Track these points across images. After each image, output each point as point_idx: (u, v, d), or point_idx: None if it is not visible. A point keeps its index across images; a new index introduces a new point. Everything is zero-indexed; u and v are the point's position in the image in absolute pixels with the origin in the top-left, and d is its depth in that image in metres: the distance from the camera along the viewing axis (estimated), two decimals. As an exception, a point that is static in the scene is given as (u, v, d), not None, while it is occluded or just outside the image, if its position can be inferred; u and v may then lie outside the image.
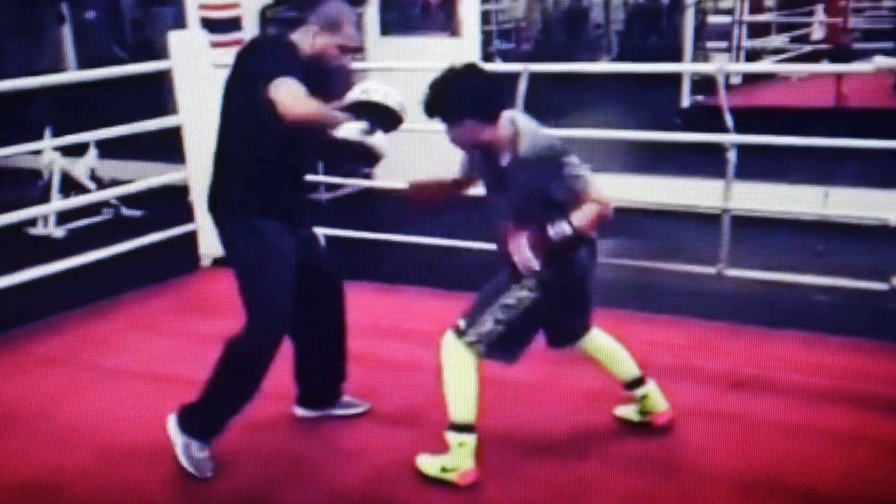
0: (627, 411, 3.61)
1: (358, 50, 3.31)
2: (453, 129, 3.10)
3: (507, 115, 3.12)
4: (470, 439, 3.20)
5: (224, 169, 3.33)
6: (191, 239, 5.65)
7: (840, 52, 9.25)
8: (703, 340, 4.41)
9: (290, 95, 2.98)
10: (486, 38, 9.37)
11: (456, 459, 3.20)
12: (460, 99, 3.06)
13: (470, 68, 3.19)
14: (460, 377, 3.19)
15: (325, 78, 3.30)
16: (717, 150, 4.61)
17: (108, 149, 6.75)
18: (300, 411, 3.77)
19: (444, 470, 3.22)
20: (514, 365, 3.27)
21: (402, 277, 5.34)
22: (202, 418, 3.39)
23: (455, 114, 3.06)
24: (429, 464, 3.27)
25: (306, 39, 3.23)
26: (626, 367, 3.52)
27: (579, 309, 3.41)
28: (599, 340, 3.50)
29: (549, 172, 3.03)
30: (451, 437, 3.21)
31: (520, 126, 3.10)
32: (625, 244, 5.43)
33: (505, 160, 3.11)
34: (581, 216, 3.02)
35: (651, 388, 3.53)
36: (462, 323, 3.19)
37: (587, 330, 3.47)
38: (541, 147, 3.09)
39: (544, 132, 3.17)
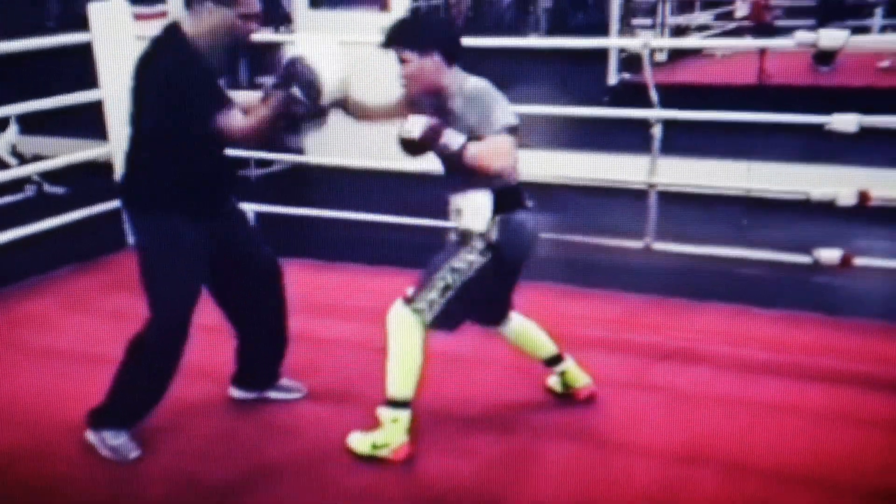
0: (555, 382, 3.64)
1: (259, 16, 3.17)
2: (420, 60, 3.03)
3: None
4: (404, 415, 3.19)
5: (134, 161, 3.22)
6: (116, 216, 5.52)
7: (763, 29, 9.42)
8: (632, 313, 4.47)
9: (227, 124, 2.98)
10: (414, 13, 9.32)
11: (388, 435, 3.20)
12: (435, 30, 3.10)
13: (438, 10, 3.19)
14: (405, 352, 3.16)
15: (235, 51, 3.19)
16: (644, 126, 4.65)
17: (31, 125, 6.58)
18: (236, 392, 3.72)
19: (374, 447, 3.21)
20: (451, 335, 3.27)
21: (338, 254, 5.31)
22: (112, 412, 3.33)
23: (427, 44, 3.02)
24: (359, 441, 3.25)
25: (202, 22, 3.04)
26: (544, 346, 3.54)
27: (511, 286, 3.42)
28: (518, 323, 3.51)
29: (483, 112, 3.00)
30: (385, 413, 3.20)
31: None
32: (553, 219, 5.46)
33: (454, 103, 3.07)
34: (475, 149, 2.94)
35: (569, 364, 3.56)
36: (410, 291, 3.17)
37: (508, 313, 3.48)
38: (483, 87, 3.06)
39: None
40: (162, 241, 3.21)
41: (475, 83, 3.07)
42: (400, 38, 3.06)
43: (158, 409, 3.35)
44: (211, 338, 3.51)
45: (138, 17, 5.90)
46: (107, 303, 4.77)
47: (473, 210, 3.11)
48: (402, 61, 3.07)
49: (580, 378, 3.58)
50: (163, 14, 6.94)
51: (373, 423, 3.23)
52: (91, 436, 3.35)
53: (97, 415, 3.35)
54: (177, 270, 3.22)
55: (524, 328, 3.53)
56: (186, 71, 2.99)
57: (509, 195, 3.13)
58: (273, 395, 3.71)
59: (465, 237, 3.13)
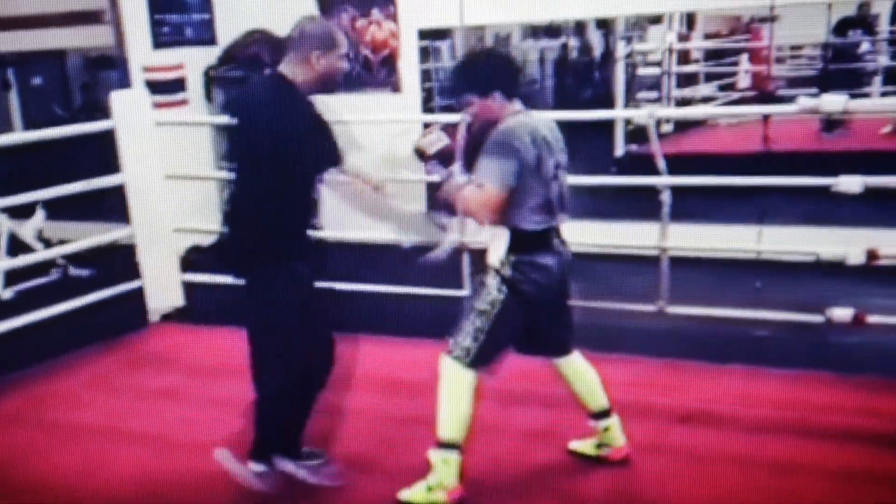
0: (583, 445, 3.68)
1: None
2: (481, 102, 3.28)
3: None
4: (454, 456, 3.25)
5: (248, 217, 3.34)
6: (138, 295, 5.65)
7: (766, 98, 9.58)
8: (649, 377, 4.52)
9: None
10: (428, 95, 9.53)
11: (441, 476, 3.26)
12: (494, 72, 3.32)
13: (494, 50, 3.45)
14: (452, 395, 3.26)
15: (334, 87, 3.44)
16: (652, 194, 4.75)
17: (57, 210, 6.74)
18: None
19: (429, 489, 3.27)
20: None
21: (350, 326, 5.37)
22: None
23: (487, 86, 3.27)
24: (412, 492, 3.31)
25: (310, 69, 3.30)
26: (598, 396, 3.60)
27: (555, 323, 3.51)
28: (578, 364, 3.59)
29: (483, 156, 3.23)
30: (436, 455, 3.26)
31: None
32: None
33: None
34: (464, 192, 3.24)
35: (614, 421, 3.62)
36: (451, 341, 3.28)
37: (566, 348, 3.57)
38: (503, 132, 3.25)
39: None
40: (294, 289, 3.34)
41: (506, 125, 3.26)
42: (463, 84, 3.33)
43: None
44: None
45: (158, 105, 6.10)
46: (131, 380, 4.85)
47: (492, 247, 3.28)
48: (467, 104, 3.32)
49: (619, 438, 3.62)
50: (183, 102, 7.16)
51: (392, 487, 3.27)
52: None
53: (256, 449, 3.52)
54: (307, 314, 3.37)
55: (585, 370, 3.60)
56: (312, 120, 3.31)
57: (526, 238, 3.26)
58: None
59: (484, 277, 3.27)
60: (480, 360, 3.27)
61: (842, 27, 9.92)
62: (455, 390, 3.25)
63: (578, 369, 3.59)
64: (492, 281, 3.26)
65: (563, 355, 3.57)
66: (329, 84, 3.39)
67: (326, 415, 4.13)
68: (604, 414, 3.61)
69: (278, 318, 3.37)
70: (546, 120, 3.41)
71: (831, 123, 9.17)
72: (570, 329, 3.58)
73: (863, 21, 9.89)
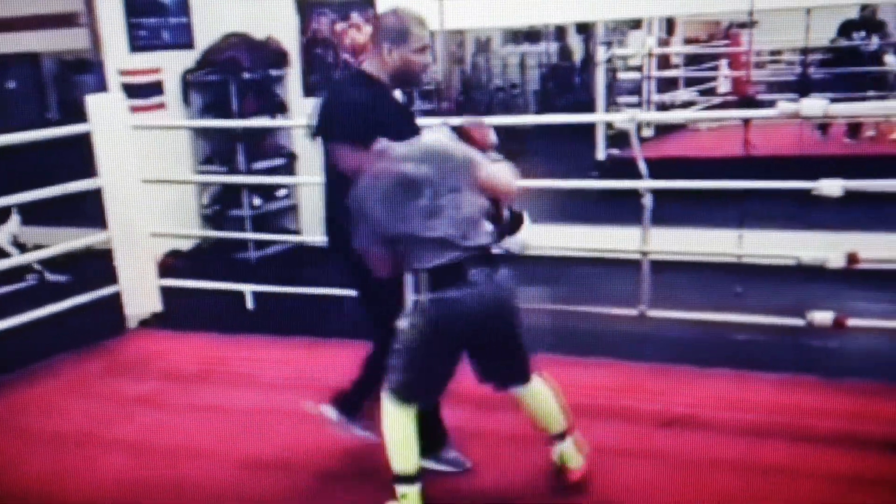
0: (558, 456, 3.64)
1: (429, 47, 3.43)
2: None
3: None
4: (411, 490, 3.20)
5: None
6: (116, 301, 5.59)
7: (746, 103, 9.62)
8: (631, 381, 4.49)
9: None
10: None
11: None
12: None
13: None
14: (394, 428, 3.21)
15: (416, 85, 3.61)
16: (634, 198, 4.74)
17: (32, 215, 6.68)
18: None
19: None
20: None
21: (334, 332, 5.34)
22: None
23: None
24: None
25: (383, 62, 3.32)
26: (556, 421, 3.47)
27: (496, 355, 3.33)
28: (535, 392, 3.43)
29: None
30: (397, 489, 3.22)
31: None
32: (549, 290, 5.54)
33: None
34: None
35: (568, 444, 3.47)
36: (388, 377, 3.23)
37: (517, 379, 3.39)
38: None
39: None
40: None
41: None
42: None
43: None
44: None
45: (134, 108, 6.04)
46: (109, 386, 4.79)
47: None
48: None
49: (575, 459, 3.48)
50: (160, 106, 7.11)
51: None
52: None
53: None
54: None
55: (542, 398, 3.45)
56: (380, 101, 3.33)
57: (429, 276, 3.09)
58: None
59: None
60: (415, 394, 3.21)
61: (846, 29, 9.93)
62: (393, 421, 3.21)
63: (536, 397, 3.44)
64: (402, 321, 3.16)
65: (517, 385, 3.40)
66: (408, 78, 3.41)
67: (303, 420, 4.11)
68: (560, 437, 3.48)
69: (376, 290, 3.43)
70: (423, 148, 3.19)
71: (853, 130, 9.25)
72: (518, 360, 3.35)
73: (867, 23, 9.88)
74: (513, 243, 3.40)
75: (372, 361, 3.54)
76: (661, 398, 4.27)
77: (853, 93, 9.20)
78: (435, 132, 3.37)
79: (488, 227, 3.20)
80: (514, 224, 3.43)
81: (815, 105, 4.31)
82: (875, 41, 9.83)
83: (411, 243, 3.08)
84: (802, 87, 8.95)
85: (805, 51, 9.86)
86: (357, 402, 3.71)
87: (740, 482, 3.49)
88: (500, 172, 3.26)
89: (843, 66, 9.82)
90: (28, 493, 3.70)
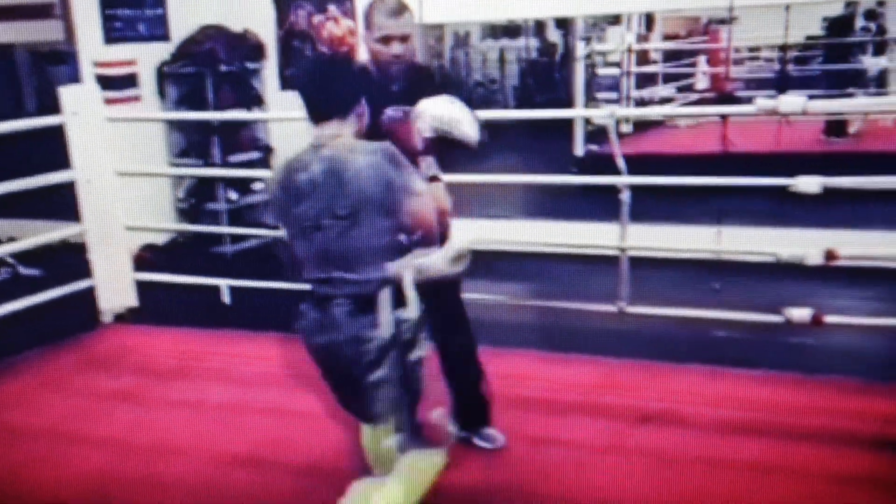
0: None
1: (401, 37, 3.23)
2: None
3: None
4: None
5: None
6: (90, 295, 5.53)
7: (724, 100, 9.66)
8: (609, 377, 4.48)
9: None
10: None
11: None
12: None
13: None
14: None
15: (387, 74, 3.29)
16: (613, 194, 4.73)
17: (4, 208, 6.59)
18: None
19: None
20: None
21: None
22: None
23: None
24: None
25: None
26: (387, 470, 2.95)
27: (347, 390, 2.95)
28: (379, 440, 2.95)
29: None
30: None
31: None
32: (527, 286, 5.54)
33: None
34: None
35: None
36: None
37: (363, 418, 2.96)
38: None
39: None
40: None
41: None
42: None
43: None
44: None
45: (109, 101, 5.97)
46: (83, 382, 4.74)
47: None
48: None
49: None
50: (135, 98, 7.04)
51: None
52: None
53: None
54: None
55: (387, 451, 2.95)
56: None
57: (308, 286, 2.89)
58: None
59: None
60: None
61: (834, 27, 9.97)
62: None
63: (378, 442, 2.96)
64: None
65: (367, 422, 2.98)
66: (377, 67, 3.28)
67: (282, 416, 4.08)
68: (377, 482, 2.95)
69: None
70: (334, 158, 2.73)
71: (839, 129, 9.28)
72: (367, 406, 2.88)
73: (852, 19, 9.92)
74: (428, 265, 2.81)
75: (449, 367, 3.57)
76: (639, 394, 4.26)
77: (832, 90, 9.26)
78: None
79: (389, 261, 2.76)
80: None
81: (793, 102, 4.30)
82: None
83: (294, 244, 2.85)
84: (781, 84, 9.01)
85: (784, 47, 9.92)
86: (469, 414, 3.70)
87: (717, 479, 3.48)
88: (425, 207, 2.80)
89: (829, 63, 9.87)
90: (-1, 490, 3.66)
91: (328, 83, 2.77)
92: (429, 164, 3.04)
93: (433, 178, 3.12)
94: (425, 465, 2.94)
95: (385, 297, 2.72)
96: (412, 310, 2.75)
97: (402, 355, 2.78)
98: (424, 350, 2.85)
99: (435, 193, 2.92)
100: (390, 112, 3.23)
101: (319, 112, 2.78)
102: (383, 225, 2.72)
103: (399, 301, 2.73)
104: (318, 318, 2.81)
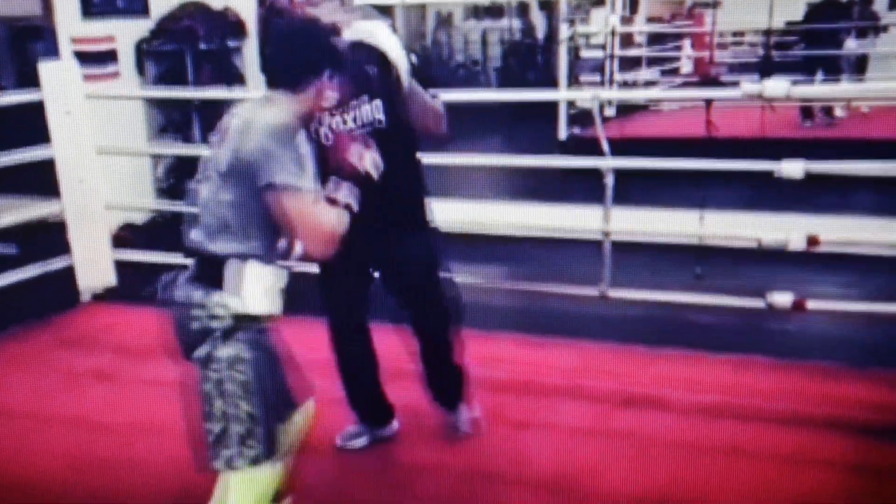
0: None
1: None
2: None
3: None
4: None
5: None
6: (68, 274, 5.46)
7: (708, 83, 9.65)
8: (591, 361, 4.48)
9: None
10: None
11: None
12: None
13: None
14: None
15: None
16: (596, 177, 4.71)
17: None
18: None
19: None
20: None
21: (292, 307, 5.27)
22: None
23: None
24: None
25: None
26: None
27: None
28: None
29: None
30: None
31: None
32: (509, 269, 5.52)
33: None
34: None
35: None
36: None
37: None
38: None
39: None
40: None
41: None
42: None
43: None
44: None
45: (87, 77, 5.89)
46: (60, 360, 4.69)
47: None
48: None
49: None
50: (114, 75, 6.95)
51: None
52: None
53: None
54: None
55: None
56: None
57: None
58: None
59: None
60: None
61: (815, 12, 9.98)
62: None
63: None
64: None
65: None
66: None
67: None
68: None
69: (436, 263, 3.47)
70: (248, 113, 2.51)
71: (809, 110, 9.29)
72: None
73: (838, 5, 9.93)
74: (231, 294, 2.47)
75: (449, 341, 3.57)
76: (620, 378, 4.26)
77: (812, 75, 9.28)
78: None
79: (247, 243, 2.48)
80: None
81: (777, 86, 4.29)
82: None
83: None
84: (765, 68, 9.01)
85: (768, 32, 9.90)
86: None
87: (697, 462, 3.48)
88: (302, 213, 2.44)
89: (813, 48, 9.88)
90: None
91: (283, 49, 2.56)
92: (352, 190, 2.61)
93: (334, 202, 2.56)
94: (254, 486, 2.56)
95: (230, 274, 2.46)
96: (238, 301, 2.45)
97: (213, 347, 2.46)
98: (244, 353, 2.46)
99: (325, 214, 2.48)
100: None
101: (270, 78, 2.59)
102: (248, 202, 2.44)
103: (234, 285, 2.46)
104: (173, 275, 2.58)
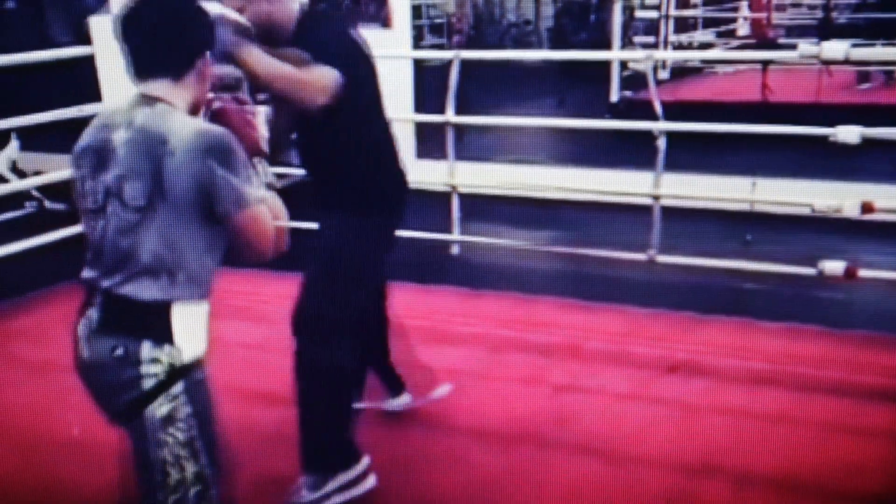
0: None
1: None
2: None
3: None
4: None
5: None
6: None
7: (765, 46, 9.45)
8: (637, 326, 4.44)
9: None
10: (418, 33, 9.36)
11: None
12: None
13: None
14: None
15: None
16: (647, 141, 4.64)
17: (32, 141, 6.59)
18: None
19: None
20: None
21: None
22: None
23: None
24: None
25: None
26: None
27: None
28: None
29: None
30: None
31: None
32: (558, 234, 5.48)
33: None
34: None
35: None
36: None
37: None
38: None
39: None
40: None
41: None
42: None
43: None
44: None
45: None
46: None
47: None
48: None
49: None
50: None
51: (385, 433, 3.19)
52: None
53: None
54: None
55: None
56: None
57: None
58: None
59: None
60: None
61: None
62: None
63: None
64: None
65: None
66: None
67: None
68: None
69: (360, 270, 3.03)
70: (146, 129, 2.06)
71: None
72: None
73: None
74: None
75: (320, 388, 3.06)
76: (666, 344, 4.23)
77: (874, 41, 9.02)
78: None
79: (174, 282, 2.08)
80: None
81: (836, 48, 4.18)
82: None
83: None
84: (824, 31, 8.80)
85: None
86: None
87: (741, 428, 3.46)
88: (261, 224, 2.13)
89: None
90: (9, 423, 3.67)
91: (157, 27, 2.14)
92: (265, 167, 2.37)
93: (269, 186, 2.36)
94: None
95: (157, 319, 2.07)
96: (171, 350, 2.08)
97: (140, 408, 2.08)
98: (184, 408, 2.11)
99: (272, 205, 2.21)
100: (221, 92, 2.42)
101: (142, 66, 2.13)
102: (187, 236, 2.06)
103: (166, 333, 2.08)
104: (85, 321, 2.18)
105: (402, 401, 3.58)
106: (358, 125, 2.93)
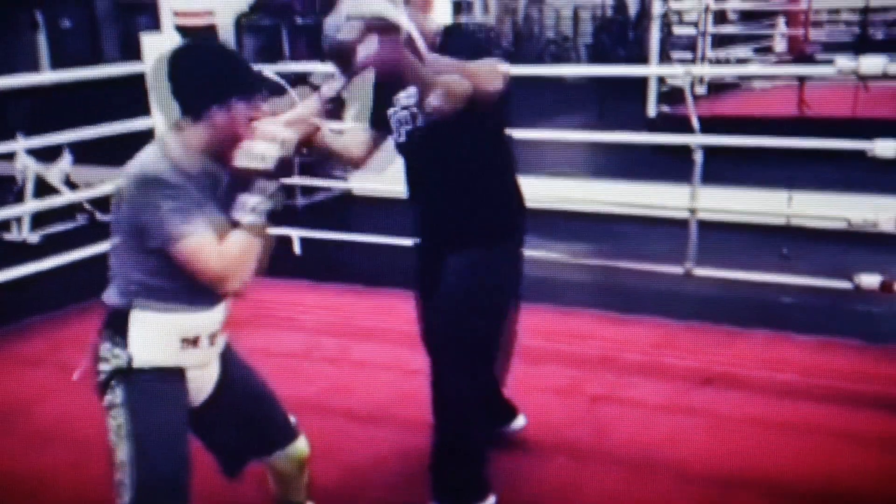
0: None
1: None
2: None
3: None
4: None
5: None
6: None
7: (802, 62, 9.44)
8: (672, 338, 4.49)
9: None
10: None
11: None
12: None
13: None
14: None
15: None
16: (684, 155, 4.69)
17: (84, 154, 6.76)
18: None
19: None
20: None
21: (380, 280, 5.38)
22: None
23: None
24: None
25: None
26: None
27: None
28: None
29: None
30: None
31: None
32: (594, 247, 5.53)
33: None
34: None
35: None
36: None
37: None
38: None
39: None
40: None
41: None
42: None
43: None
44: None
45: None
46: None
47: None
48: None
49: None
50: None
51: (410, 440, 3.27)
52: None
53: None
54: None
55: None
56: None
57: None
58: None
59: None
60: None
61: None
62: None
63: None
64: None
65: None
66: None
67: (344, 365, 4.16)
68: None
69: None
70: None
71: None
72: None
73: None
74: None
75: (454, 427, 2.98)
76: (701, 356, 4.27)
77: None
78: None
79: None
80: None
81: (873, 63, 4.20)
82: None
83: None
84: (860, 47, 8.77)
85: (865, 10, 9.63)
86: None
87: (775, 440, 3.49)
88: (203, 258, 2.23)
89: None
90: (59, 426, 3.80)
91: (184, 75, 2.35)
92: (242, 203, 2.31)
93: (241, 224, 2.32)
94: None
95: (116, 323, 2.36)
96: (122, 352, 2.36)
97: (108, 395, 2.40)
98: (119, 397, 2.36)
99: (237, 241, 2.28)
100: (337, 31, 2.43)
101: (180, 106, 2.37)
102: (128, 254, 2.29)
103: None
104: None
105: (520, 423, 3.56)
106: (496, 140, 2.88)
